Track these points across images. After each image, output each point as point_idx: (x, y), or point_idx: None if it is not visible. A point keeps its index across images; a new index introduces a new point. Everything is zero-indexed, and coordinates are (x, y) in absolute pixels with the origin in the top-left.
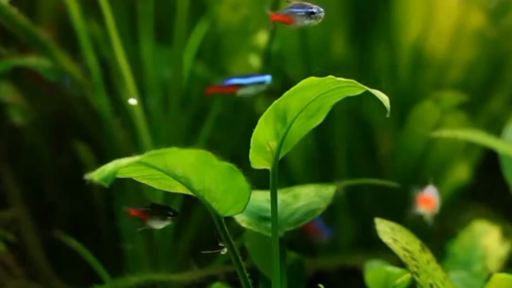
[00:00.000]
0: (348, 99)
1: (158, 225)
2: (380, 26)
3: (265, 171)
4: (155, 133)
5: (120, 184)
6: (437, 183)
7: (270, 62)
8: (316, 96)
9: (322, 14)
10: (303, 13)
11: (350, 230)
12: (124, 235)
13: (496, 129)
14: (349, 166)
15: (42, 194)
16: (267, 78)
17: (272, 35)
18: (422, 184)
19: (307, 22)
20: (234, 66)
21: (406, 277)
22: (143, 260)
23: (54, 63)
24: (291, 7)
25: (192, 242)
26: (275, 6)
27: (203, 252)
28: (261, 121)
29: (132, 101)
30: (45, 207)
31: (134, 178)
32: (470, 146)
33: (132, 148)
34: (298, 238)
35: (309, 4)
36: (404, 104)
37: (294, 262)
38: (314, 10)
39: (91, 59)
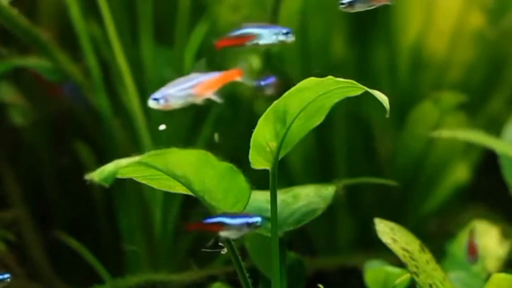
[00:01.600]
0: (348, 100)
1: (235, 235)
2: (379, 27)
3: (265, 171)
4: (155, 134)
5: (120, 185)
6: (436, 183)
7: (270, 62)
8: (315, 96)
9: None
10: (275, 32)
11: (350, 230)
12: (124, 235)
13: (495, 129)
14: (349, 167)
15: (42, 194)
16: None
17: None
18: None
19: (274, 40)
20: (234, 66)
21: (405, 277)
22: (143, 260)
23: (55, 64)
24: (250, 27)
25: (192, 242)
26: (275, 8)
27: (203, 250)
28: (261, 121)
29: (162, 127)
30: (46, 207)
31: (134, 178)
32: (469, 146)
33: (132, 148)
34: (298, 238)
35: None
36: (404, 105)
37: (294, 262)
38: (288, 31)
39: (91, 60)
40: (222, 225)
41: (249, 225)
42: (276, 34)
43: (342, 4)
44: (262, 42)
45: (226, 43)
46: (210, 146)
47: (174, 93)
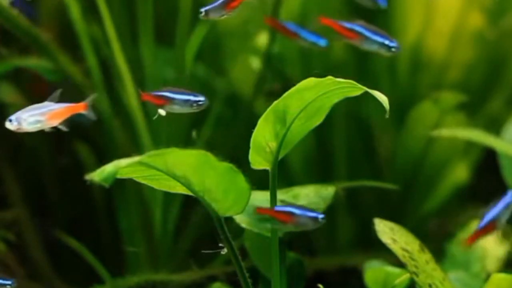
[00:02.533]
0: (348, 100)
1: (299, 228)
2: (379, 27)
3: (265, 171)
4: (155, 134)
5: (120, 185)
6: (436, 183)
7: (270, 63)
8: (315, 96)
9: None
10: (380, 41)
11: (350, 230)
12: (124, 235)
13: (495, 129)
14: (349, 167)
15: (42, 194)
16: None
17: (272, 36)
18: None
19: None
20: (234, 67)
21: (405, 277)
22: (143, 260)
23: (55, 64)
24: (364, 27)
25: (192, 242)
26: (275, 9)
27: (203, 251)
28: (260, 121)
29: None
30: (46, 207)
31: (134, 179)
32: (469, 146)
33: (132, 148)
34: (297, 238)
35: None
36: (404, 105)
37: (293, 262)
38: (394, 45)
39: (91, 60)
40: (292, 216)
41: (314, 220)
42: (380, 44)
43: (201, 13)
44: (365, 46)
45: (333, 26)
46: (210, 147)
47: (26, 118)
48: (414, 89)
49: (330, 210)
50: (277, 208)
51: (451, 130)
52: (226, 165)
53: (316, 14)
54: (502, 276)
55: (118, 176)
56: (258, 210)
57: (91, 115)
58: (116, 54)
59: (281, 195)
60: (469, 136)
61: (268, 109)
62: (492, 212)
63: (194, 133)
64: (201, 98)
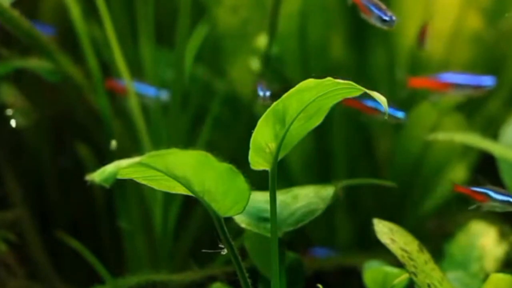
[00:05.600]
0: None
1: (497, 209)
2: (378, 28)
3: (265, 172)
4: (155, 135)
5: (121, 185)
6: (435, 184)
7: (270, 64)
8: (314, 97)
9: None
10: None
11: (349, 230)
12: (125, 235)
13: (493, 130)
14: (348, 168)
15: (43, 195)
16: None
17: (272, 37)
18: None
19: None
20: (233, 68)
21: (404, 277)
22: (144, 260)
23: (55, 65)
24: None
25: (192, 242)
26: (275, 9)
27: (203, 251)
28: (260, 122)
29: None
30: (46, 207)
31: (135, 179)
32: (467, 147)
33: (133, 149)
34: (297, 238)
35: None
36: (402, 106)
37: (293, 262)
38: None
39: (92, 61)
40: (487, 197)
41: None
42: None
43: None
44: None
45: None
46: (210, 147)
47: None
48: (413, 90)
49: (330, 211)
50: (473, 188)
51: (449, 133)
52: (226, 166)
53: (315, 13)
54: (501, 276)
55: (119, 177)
56: (457, 187)
57: None
58: (115, 55)
59: (280, 195)
60: (467, 139)
61: (268, 110)
62: None
63: (113, 143)
64: None
